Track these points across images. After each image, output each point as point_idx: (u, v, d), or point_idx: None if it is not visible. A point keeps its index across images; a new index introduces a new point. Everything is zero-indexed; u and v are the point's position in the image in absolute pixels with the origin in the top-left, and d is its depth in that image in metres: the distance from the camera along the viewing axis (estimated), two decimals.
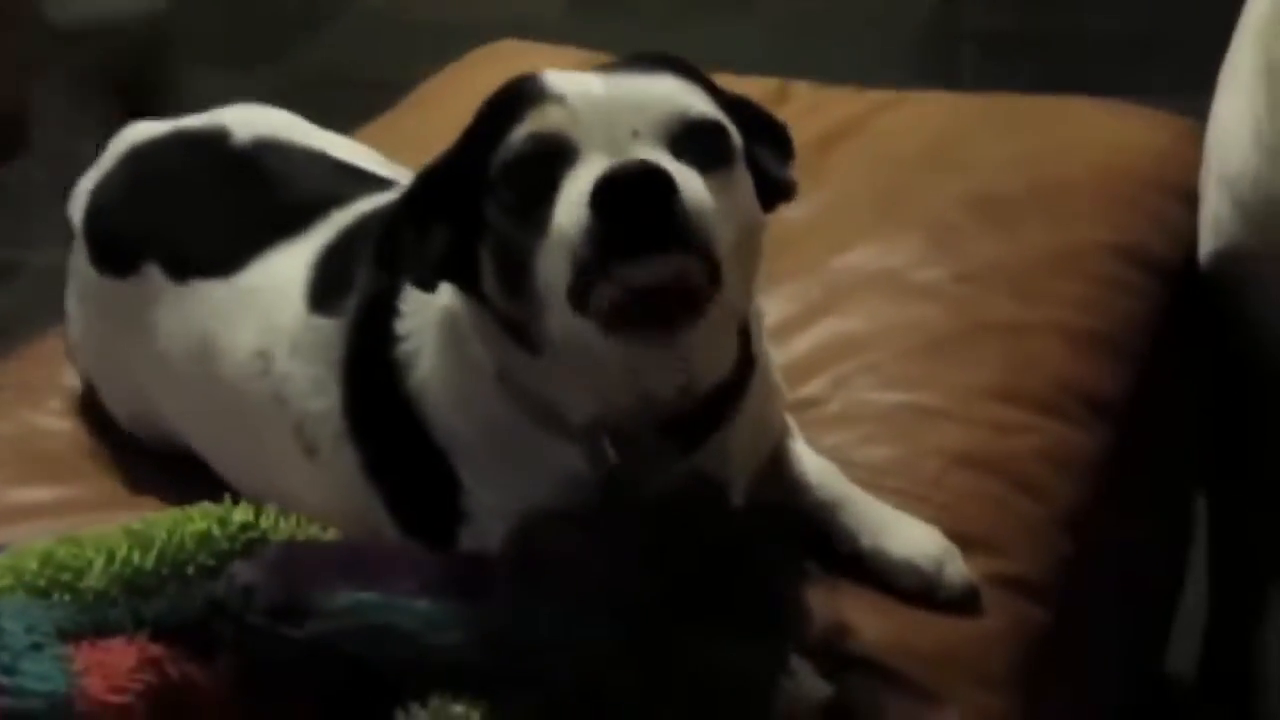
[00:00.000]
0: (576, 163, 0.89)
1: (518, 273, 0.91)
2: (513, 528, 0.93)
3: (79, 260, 1.30)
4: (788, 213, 1.56)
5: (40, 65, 3.51)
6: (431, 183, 0.98)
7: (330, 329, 1.09)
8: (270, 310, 1.13)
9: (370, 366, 1.05)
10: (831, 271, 1.47)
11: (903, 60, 3.89)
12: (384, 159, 1.38)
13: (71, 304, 1.33)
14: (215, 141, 1.28)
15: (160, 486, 1.27)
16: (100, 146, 1.35)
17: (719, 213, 0.88)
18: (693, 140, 0.92)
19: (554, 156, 0.90)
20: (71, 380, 1.40)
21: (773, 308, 1.42)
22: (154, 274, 1.21)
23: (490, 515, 0.99)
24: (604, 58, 2.01)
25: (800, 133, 1.70)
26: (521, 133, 0.91)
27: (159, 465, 1.29)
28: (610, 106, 0.91)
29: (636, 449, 0.96)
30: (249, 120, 1.32)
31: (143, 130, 1.34)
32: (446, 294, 1.01)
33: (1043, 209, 1.53)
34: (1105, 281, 1.45)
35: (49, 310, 1.44)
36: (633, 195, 0.84)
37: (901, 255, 1.48)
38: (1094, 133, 1.68)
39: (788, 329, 1.40)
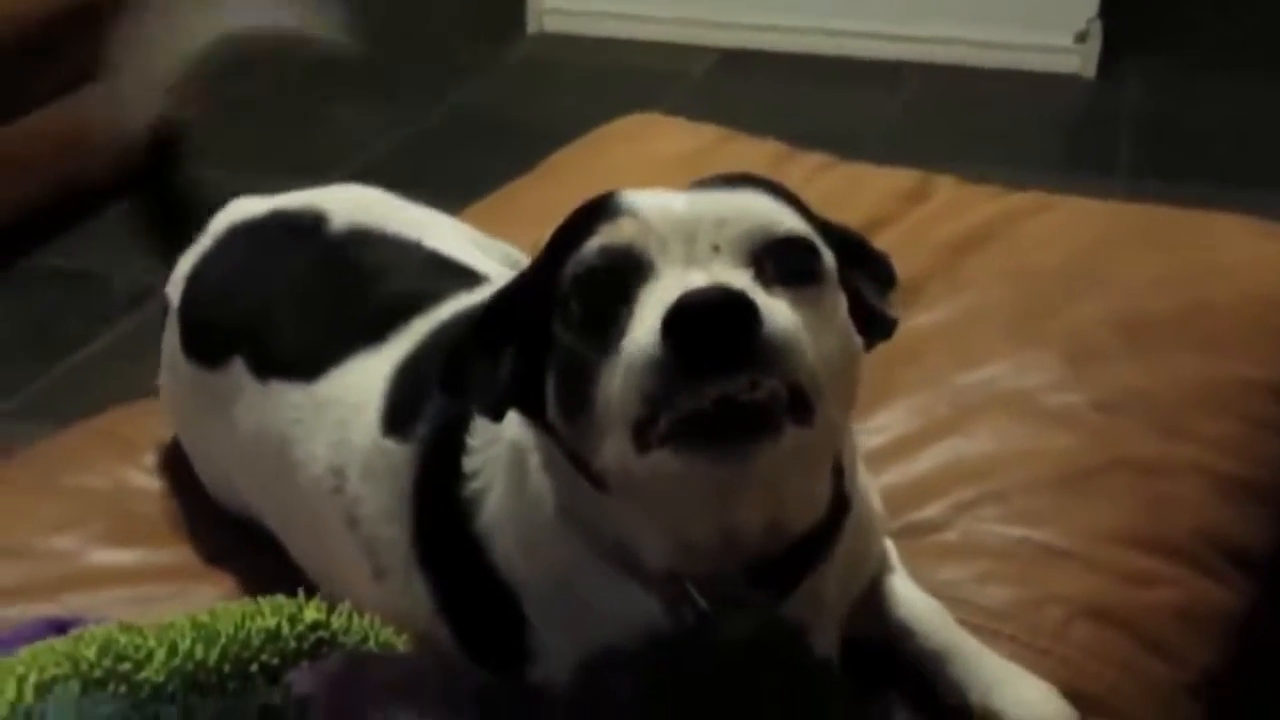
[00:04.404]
0: (651, 279, 0.83)
1: (581, 394, 0.84)
2: (577, 665, 0.87)
3: (172, 340, 1.28)
4: (916, 319, 1.52)
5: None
6: (502, 306, 0.93)
7: (401, 456, 1.04)
8: (345, 425, 1.09)
9: (439, 503, 1.01)
10: (960, 387, 1.39)
11: (1056, 142, 3.79)
12: (485, 238, 1.34)
13: (165, 376, 1.31)
14: (311, 228, 1.25)
15: (241, 556, 1.24)
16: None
17: (806, 333, 0.81)
18: (778, 257, 0.85)
19: (627, 271, 0.84)
20: (168, 433, 1.37)
21: (894, 421, 1.35)
22: (239, 369, 1.19)
23: (558, 656, 0.93)
24: (741, 135, 1.98)
25: (938, 232, 1.66)
26: (594, 245, 0.86)
27: (242, 533, 1.26)
28: (690, 221, 0.85)
29: (724, 597, 0.89)
30: (347, 204, 1.28)
31: (243, 209, 1.32)
32: (515, 428, 0.95)
33: (1191, 336, 1.44)
34: (1255, 421, 1.35)
35: None
36: (710, 324, 0.77)
37: (1037, 375, 1.39)
38: (1251, 255, 1.58)
39: (909, 445, 1.32)
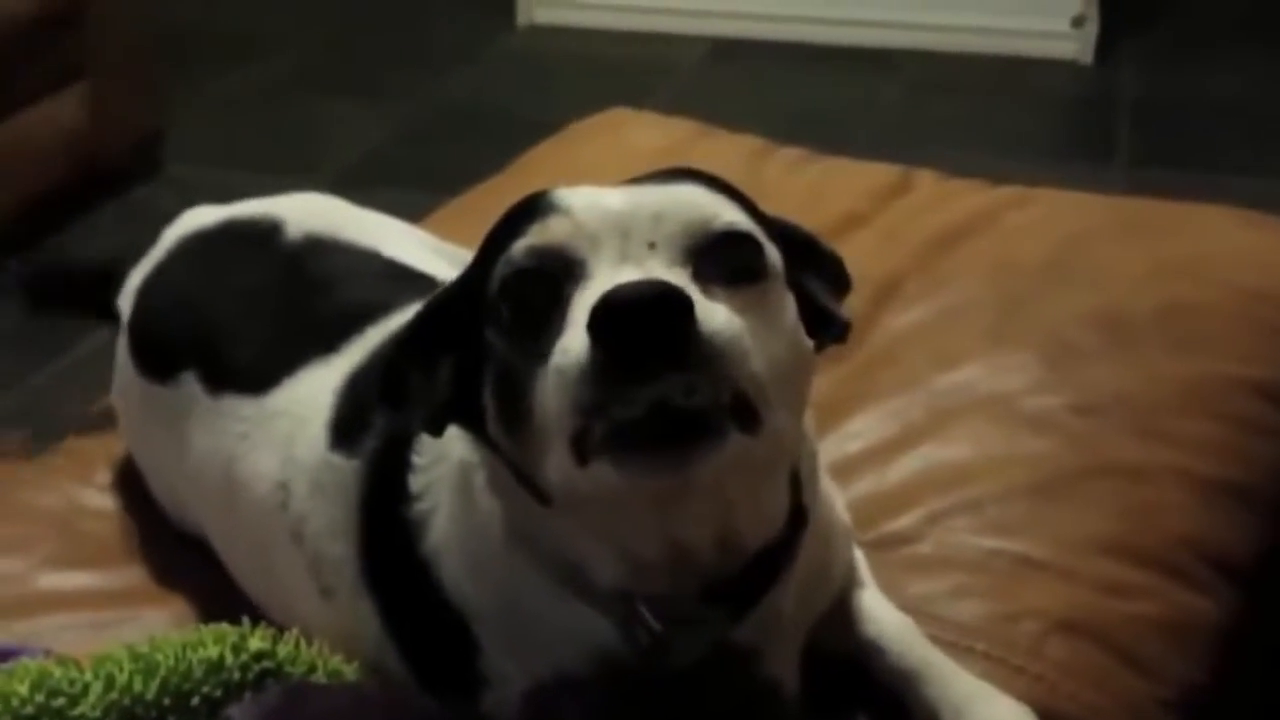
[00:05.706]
0: (583, 279, 0.80)
1: (519, 406, 0.80)
2: (523, 695, 0.84)
3: (124, 354, 1.25)
4: (895, 319, 1.48)
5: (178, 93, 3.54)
6: (437, 312, 0.89)
7: (348, 472, 1.01)
8: (293, 439, 1.06)
9: (385, 522, 0.97)
10: (937, 390, 1.35)
11: (1053, 129, 3.74)
12: (447, 245, 1.32)
13: (117, 390, 1.29)
14: (265, 238, 1.22)
15: (197, 578, 1.20)
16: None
17: (749, 336, 0.77)
18: (718, 253, 0.81)
19: (557, 272, 0.80)
20: (122, 449, 1.34)
21: (869, 427, 1.32)
22: (191, 383, 1.15)
23: (511, 682, 0.89)
24: (717, 130, 1.94)
25: (917, 228, 1.62)
26: (521, 246, 0.82)
27: (197, 554, 1.22)
28: (624, 217, 0.81)
29: (677, 617, 0.86)
30: (303, 212, 1.25)
31: (197, 219, 1.29)
32: (461, 445, 0.92)
33: (1174, 334, 1.40)
34: (1240, 422, 1.31)
35: None
36: (640, 319, 0.73)
37: (1016, 378, 1.36)
38: (1236, 249, 1.54)
39: (883, 452, 1.29)
